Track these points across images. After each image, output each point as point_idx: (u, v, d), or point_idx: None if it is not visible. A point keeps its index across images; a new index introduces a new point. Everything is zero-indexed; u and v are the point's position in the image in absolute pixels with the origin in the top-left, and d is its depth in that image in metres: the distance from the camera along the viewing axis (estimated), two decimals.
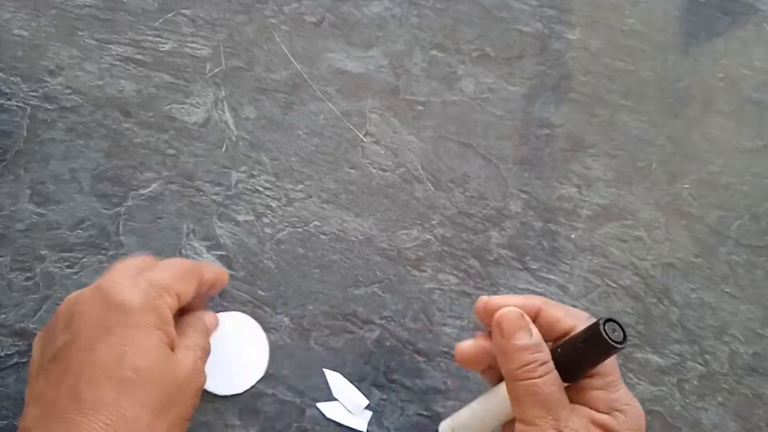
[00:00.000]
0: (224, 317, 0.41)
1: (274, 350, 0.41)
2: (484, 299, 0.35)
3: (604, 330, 0.30)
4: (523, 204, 0.50)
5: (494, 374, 0.36)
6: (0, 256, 0.40)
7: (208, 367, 0.34)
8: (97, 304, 0.31)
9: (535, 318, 0.34)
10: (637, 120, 0.56)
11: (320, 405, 0.41)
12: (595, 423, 0.31)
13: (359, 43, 0.52)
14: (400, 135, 0.50)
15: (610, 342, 0.29)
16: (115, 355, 0.29)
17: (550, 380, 0.31)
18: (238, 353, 0.40)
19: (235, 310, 0.42)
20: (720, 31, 0.62)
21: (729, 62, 0.60)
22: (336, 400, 0.41)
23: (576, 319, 0.33)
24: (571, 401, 0.31)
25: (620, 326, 0.30)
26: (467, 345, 0.36)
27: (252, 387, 0.40)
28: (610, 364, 0.32)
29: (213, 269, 0.38)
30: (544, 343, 0.32)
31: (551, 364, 0.31)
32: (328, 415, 0.41)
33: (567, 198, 0.51)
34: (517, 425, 0.31)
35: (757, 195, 0.56)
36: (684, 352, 0.48)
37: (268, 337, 0.42)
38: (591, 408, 0.31)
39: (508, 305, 0.33)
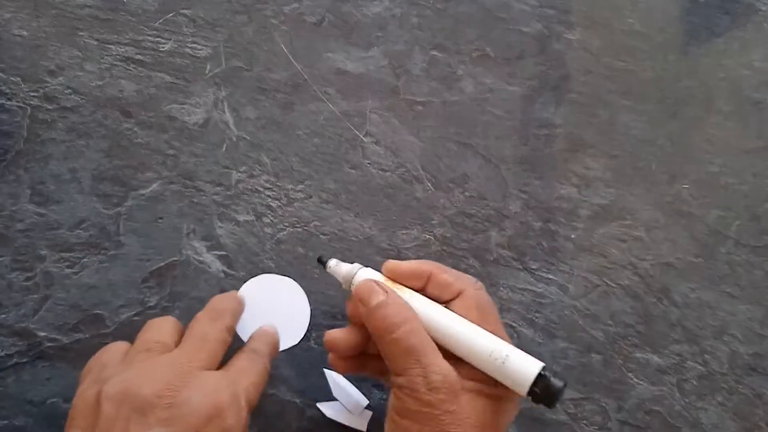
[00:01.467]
0: (269, 279, 0.41)
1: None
2: (385, 266, 0.37)
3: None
4: (522, 204, 0.50)
5: (374, 368, 0.38)
6: (0, 255, 0.40)
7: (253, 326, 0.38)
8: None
9: (427, 282, 0.36)
10: (637, 120, 0.56)
11: (320, 405, 0.41)
12: (473, 375, 0.33)
13: (359, 43, 0.52)
14: (400, 135, 0.50)
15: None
16: None
17: (411, 332, 0.33)
18: (281, 314, 0.40)
19: None
20: (720, 31, 0.62)
21: (729, 62, 0.60)
22: (336, 400, 0.41)
23: (464, 284, 0.35)
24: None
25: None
26: (337, 331, 0.37)
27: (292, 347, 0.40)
28: (499, 329, 0.34)
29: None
30: (403, 303, 0.34)
31: (412, 319, 0.33)
32: (328, 415, 0.41)
33: (566, 198, 0.51)
34: (393, 378, 0.33)
35: (757, 195, 0.56)
36: (683, 351, 0.48)
37: None
38: None
39: (401, 269, 0.36)
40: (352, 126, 0.49)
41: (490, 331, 0.34)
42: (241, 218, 0.45)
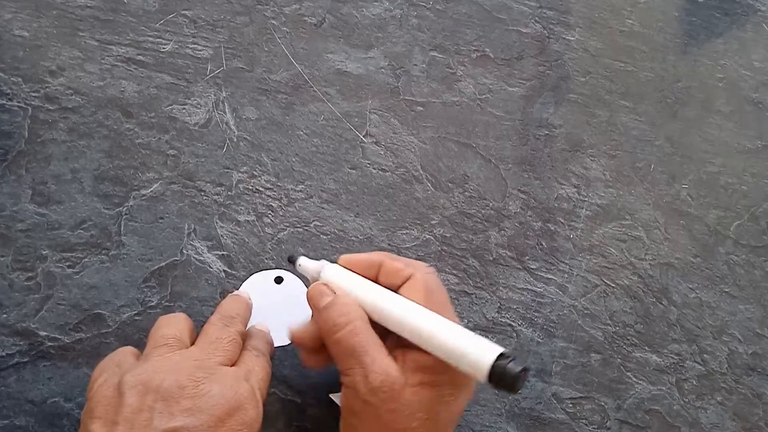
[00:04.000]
0: (270, 274, 0.42)
1: (275, 350, 0.41)
2: (340, 259, 0.38)
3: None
4: (522, 204, 0.50)
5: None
6: (1, 256, 0.40)
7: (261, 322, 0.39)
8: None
9: (379, 271, 0.37)
10: (636, 120, 0.56)
11: (333, 396, 0.41)
12: (419, 366, 0.33)
13: (359, 44, 0.52)
14: (400, 135, 0.50)
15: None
16: None
17: (352, 332, 0.33)
18: (283, 308, 0.41)
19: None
20: (719, 31, 0.62)
21: (728, 63, 0.61)
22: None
23: (414, 269, 0.36)
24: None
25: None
26: (299, 325, 0.38)
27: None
28: (446, 310, 0.35)
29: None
30: (351, 302, 0.35)
31: (356, 319, 0.34)
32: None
33: (566, 198, 0.51)
34: (341, 377, 0.34)
35: (756, 195, 0.56)
36: (683, 351, 0.49)
37: None
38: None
39: (354, 260, 0.37)
40: (352, 126, 0.49)
41: (436, 312, 0.34)
42: (241, 218, 0.45)
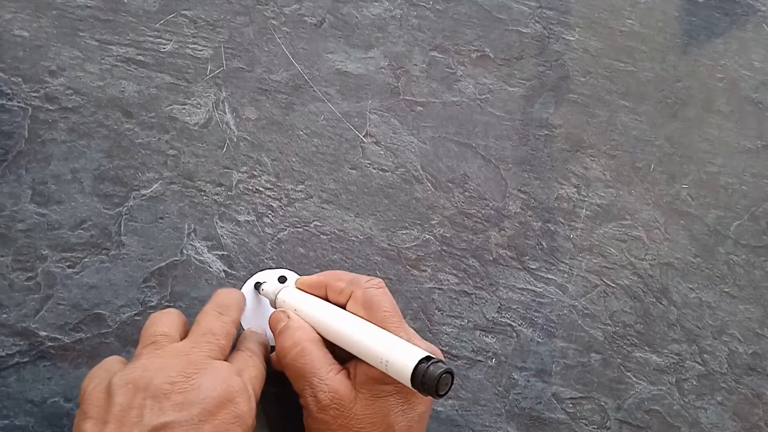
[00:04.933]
0: (274, 274, 0.42)
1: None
2: (297, 282, 0.40)
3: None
4: (522, 204, 0.50)
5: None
6: (1, 256, 0.40)
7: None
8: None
9: (327, 291, 0.38)
10: (636, 120, 0.56)
11: None
12: (367, 378, 0.34)
13: (359, 44, 0.52)
14: (400, 135, 0.50)
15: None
16: None
17: (299, 354, 0.34)
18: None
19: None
20: (719, 31, 0.62)
21: (728, 63, 0.61)
22: None
23: (355, 286, 0.37)
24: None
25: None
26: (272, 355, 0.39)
27: None
28: (388, 321, 0.35)
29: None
30: (299, 325, 0.36)
31: (303, 341, 0.35)
32: None
33: (566, 198, 0.51)
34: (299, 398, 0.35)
35: (756, 195, 0.56)
36: (683, 351, 0.49)
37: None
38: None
39: (306, 283, 0.39)
40: (352, 126, 0.49)
41: (380, 326, 0.34)
42: (241, 218, 0.45)
